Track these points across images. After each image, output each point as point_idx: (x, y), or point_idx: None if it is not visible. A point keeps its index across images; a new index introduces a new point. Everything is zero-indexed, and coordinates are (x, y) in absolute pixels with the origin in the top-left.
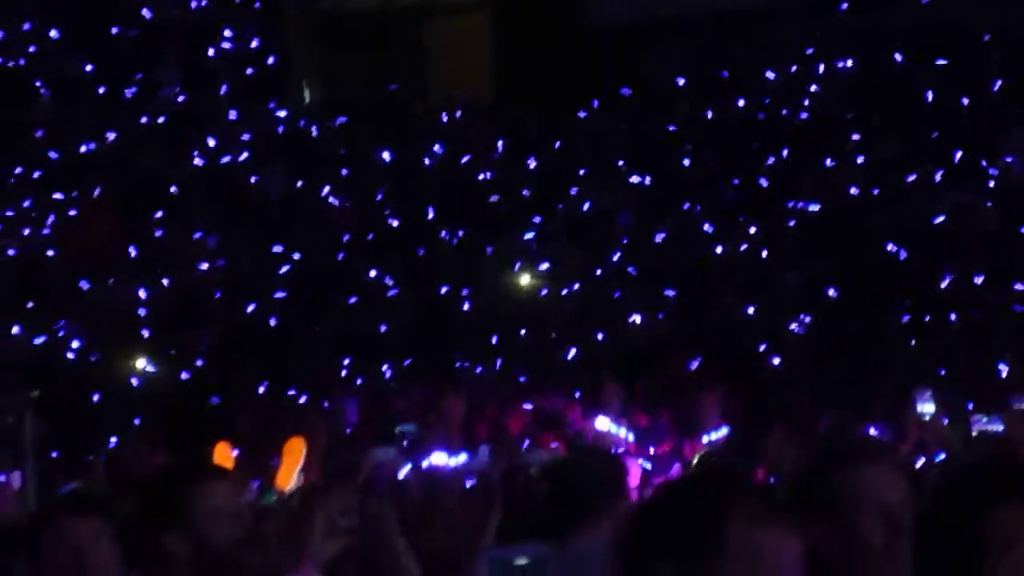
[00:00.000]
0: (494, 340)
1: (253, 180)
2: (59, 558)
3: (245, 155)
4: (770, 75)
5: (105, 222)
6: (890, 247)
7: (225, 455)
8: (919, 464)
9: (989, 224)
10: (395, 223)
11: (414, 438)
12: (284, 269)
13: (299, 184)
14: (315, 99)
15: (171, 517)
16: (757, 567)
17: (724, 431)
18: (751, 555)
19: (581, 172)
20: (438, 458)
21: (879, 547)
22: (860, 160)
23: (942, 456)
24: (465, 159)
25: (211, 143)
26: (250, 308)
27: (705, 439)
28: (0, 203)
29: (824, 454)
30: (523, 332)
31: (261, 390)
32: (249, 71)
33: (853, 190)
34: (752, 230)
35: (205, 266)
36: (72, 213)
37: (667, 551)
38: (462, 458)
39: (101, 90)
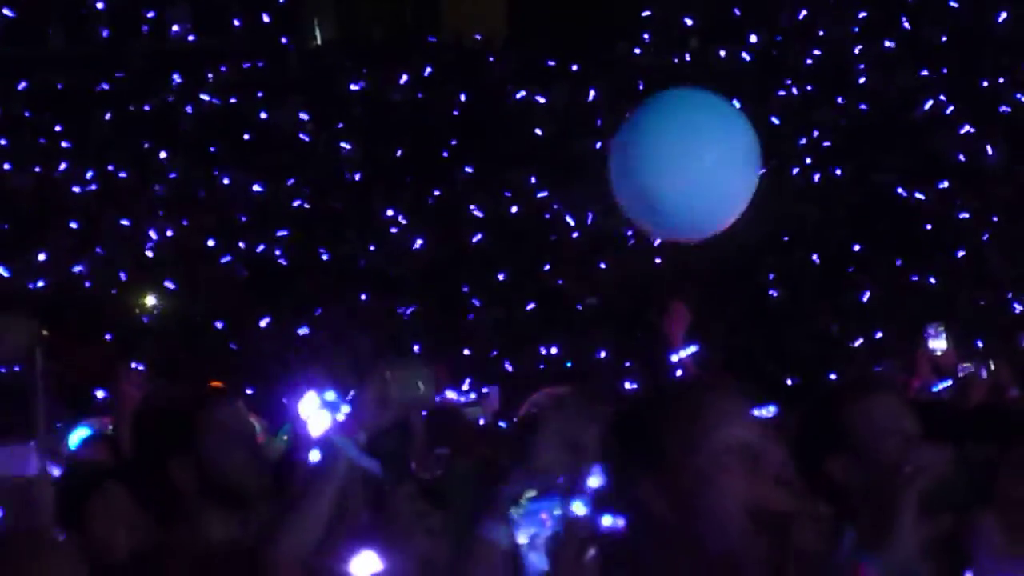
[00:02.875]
0: (502, 277)
1: (264, 118)
2: None
3: (258, 94)
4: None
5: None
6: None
7: None
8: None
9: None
10: (408, 161)
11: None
12: (296, 203)
13: (311, 123)
14: (327, 37)
15: (176, 443)
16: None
17: (692, 348)
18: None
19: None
20: (449, 396)
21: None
22: (872, 95)
23: (946, 384)
24: (478, 97)
25: (222, 81)
26: (260, 248)
27: (674, 358)
28: (12, 139)
29: (832, 389)
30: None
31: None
32: (263, 11)
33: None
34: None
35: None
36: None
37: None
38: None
39: (111, 28)
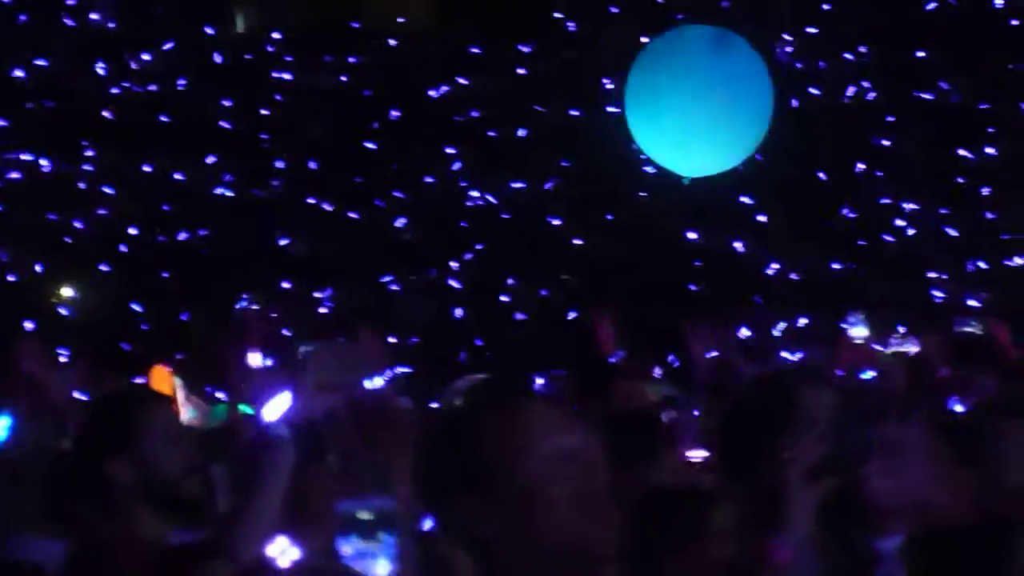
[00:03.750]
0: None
1: (189, 107)
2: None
3: (181, 81)
4: None
5: None
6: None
7: (163, 378)
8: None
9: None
10: (332, 149)
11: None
12: (218, 191)
13: (234, 111)
14: (250, 25)
15: (115, 443)
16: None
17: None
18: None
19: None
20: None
21: None
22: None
23: (871, 375)
24: (404, 83)
25: (145, 69)
26: (183, 236)
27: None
28: None
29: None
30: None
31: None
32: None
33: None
34: None
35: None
36: None
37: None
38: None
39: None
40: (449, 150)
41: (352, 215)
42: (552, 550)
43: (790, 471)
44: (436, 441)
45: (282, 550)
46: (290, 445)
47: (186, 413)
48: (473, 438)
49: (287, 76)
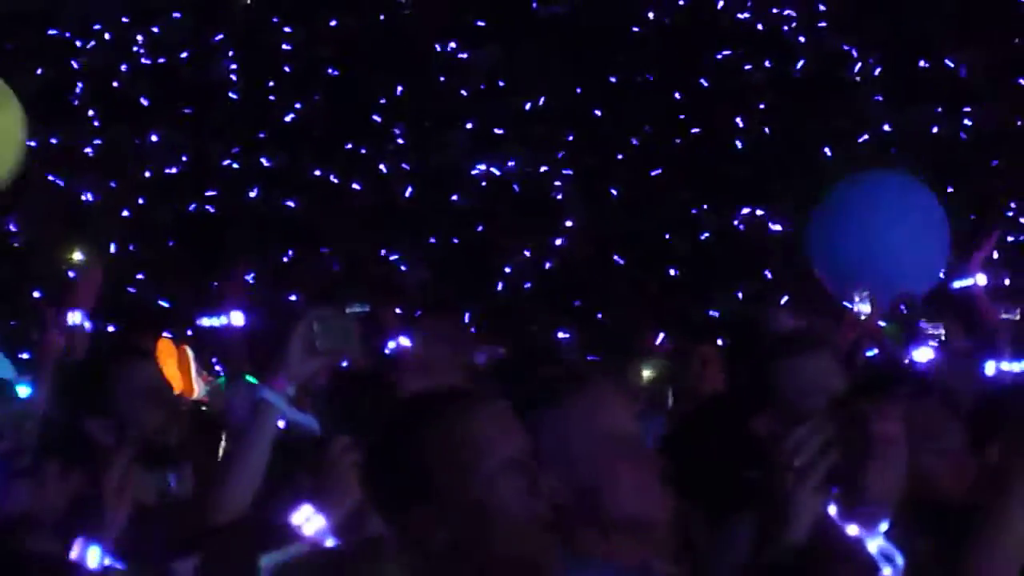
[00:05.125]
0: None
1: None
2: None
3: (187, 52)
4: None
5: None
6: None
7: (168, 350)
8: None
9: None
10: (337, 118)
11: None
12: (225, 163)
13: (241, 79)
14: None
15: (94, 402)
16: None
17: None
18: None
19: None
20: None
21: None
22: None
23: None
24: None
25: (154, 39)
26: (191, 206)
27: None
28: None
29: (766, 344)
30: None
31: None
32: None
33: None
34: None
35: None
36: None
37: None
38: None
39: None
40: (455, 120)
41: (356, 185)
42: (499, 563)
43: (799, 486)
44: (385, 451)
45: (307, 518)
46: (275, 410)
47: (198, 389)
48: (420, 452)
49: (288, 47)
